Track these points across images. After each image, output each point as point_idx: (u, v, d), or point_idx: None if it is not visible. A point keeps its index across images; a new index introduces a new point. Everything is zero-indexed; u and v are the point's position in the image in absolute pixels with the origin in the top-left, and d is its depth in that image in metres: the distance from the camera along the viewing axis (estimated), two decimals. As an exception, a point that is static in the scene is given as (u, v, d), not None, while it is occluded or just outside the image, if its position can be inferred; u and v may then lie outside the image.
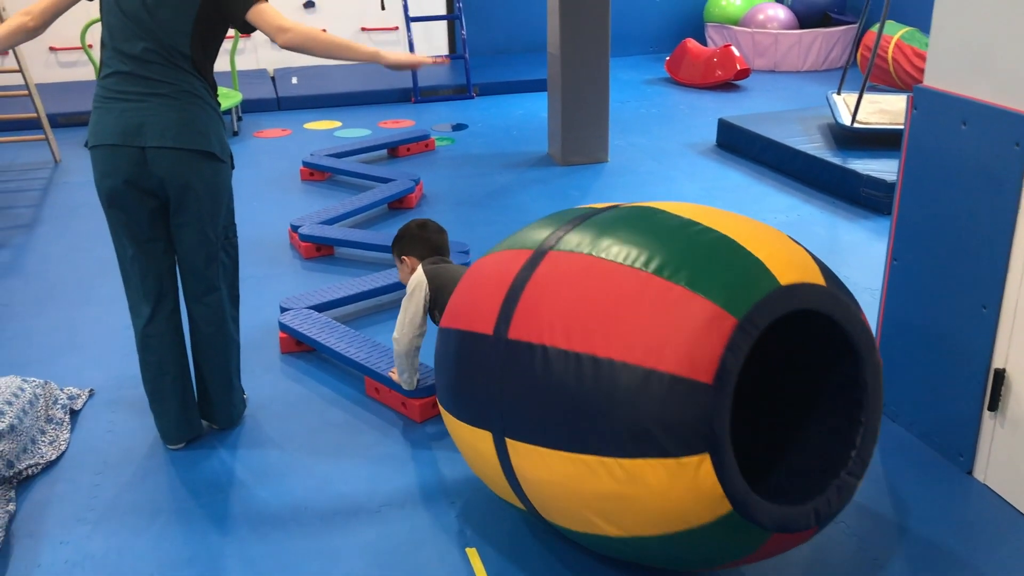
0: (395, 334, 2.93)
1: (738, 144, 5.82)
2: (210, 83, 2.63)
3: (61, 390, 3.16)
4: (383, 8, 7.72)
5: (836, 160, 5.08)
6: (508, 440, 2.09)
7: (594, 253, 2.02)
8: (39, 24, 2.61)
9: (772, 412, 2.36)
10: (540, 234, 2.23)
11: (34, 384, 3.04)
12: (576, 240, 2.09)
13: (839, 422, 2.12)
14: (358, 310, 3.80)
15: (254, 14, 2.54)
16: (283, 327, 3.49)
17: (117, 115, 2.53)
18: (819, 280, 1.98)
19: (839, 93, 5.88)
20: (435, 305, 2.92)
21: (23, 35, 2.61)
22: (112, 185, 2.58)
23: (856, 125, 5.28)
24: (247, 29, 2.61)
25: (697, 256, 1.94)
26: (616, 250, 2.00)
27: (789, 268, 1.94)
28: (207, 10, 2.53)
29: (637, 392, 1.84)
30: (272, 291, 3.99)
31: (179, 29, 2.51)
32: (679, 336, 1.84)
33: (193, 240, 2.68)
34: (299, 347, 3.49)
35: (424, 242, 3.10)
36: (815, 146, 5.33)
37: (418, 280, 2.93)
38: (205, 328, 2.84)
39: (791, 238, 2.13)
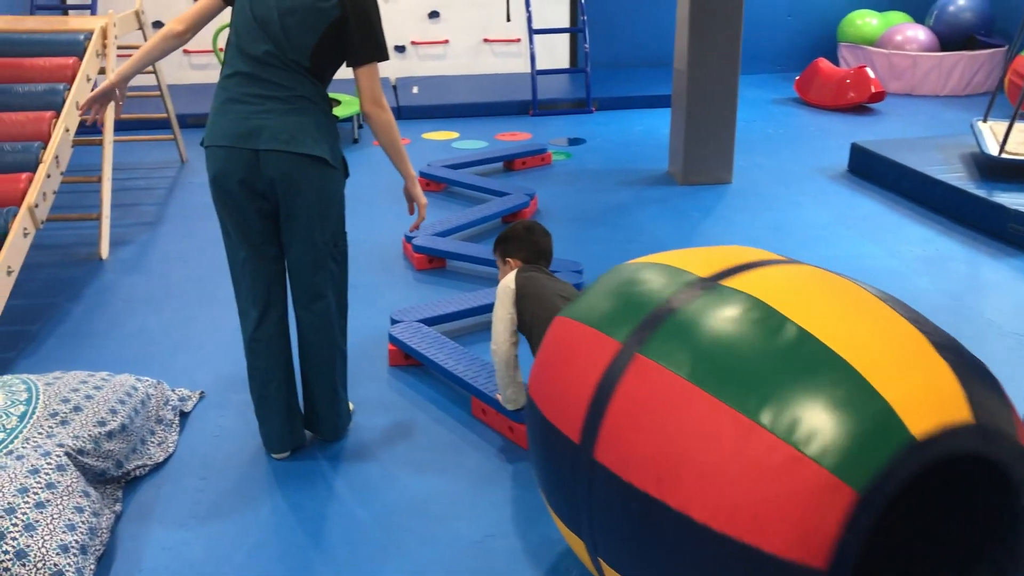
0: (492, 344, 2.84)
1: (872, 171, 5.52)
2: (324, 92, 2.63)
3: (173, 391, 3.18)
4: (508, 20, 7.69)
5: (980, 192, 4.74)
6: (601, 561, 1.92)
7: (688, 377, 1.73)
8: (187, 29, 2.67)
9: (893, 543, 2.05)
10: (629, 311, 1.96)
11: (147, 384, 3.06)
12: (668, 348, 1.81)
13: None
14: (468, 326, 3.72)
15: (364, 72, 2.59)
16: (392, 340, 3.44)
17: (233, 117, 2.56)
18: (965, 414, 1.60)
19: (985, 121, 5.51)
20: (520, 316, 2.81)
21: (173, 41, 2.67)
22: (225, 186, 2.59)
23: (1004, 156, 4.93)
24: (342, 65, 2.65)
25: (809, 401, 1.61)
26: (713, 379, 1.70)
27: (926, 408, 1.59)
28: (331, 35, 2.54)
29: (738, 571, 1.60)
30: (383, 301, 3.95)
31: (302, 43, 2.53)
32: (786, 509, 1.54)
33: (301, 246, 2.66)
34: (407, 360, 3.43)
35: (530, 245, 3.03)
36: (957, 176, 4.99)
37: (505, 285, 2.83)
38: (312, 336, 2.80)
39: (933, 342, 1.75)
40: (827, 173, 5.73)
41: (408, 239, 4.44)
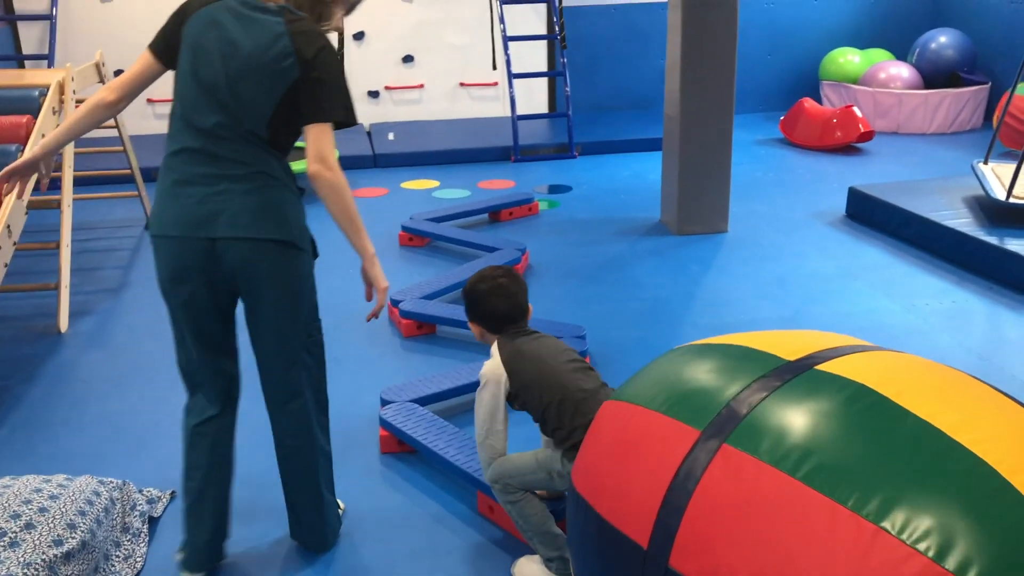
0: (477, 437, 2.48)
1: (873, 216, 5.31)
2: (286, 164, 2.30)
3: (140, 492, 2.83)
4: (495, 68, 7.45)
5: (992, 239, 4.53)
6: None
7: (791, 472, 1.48)
8: (120, 98, 2.34)
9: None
10: (708, 396, 1.70)
11: (111, 487, 2.71)
12: (763, 438, 1.55)
13: None
14: (465, 403, 3.41)
15: (316, 128, 2.19)
16: (384, 424, 3.12)
17: (184, 201, 2.22)
18: None
19: (986, 162, 5.33)
20: (514, 397, 2.45)
21: (104, 112, 2.34)
22: (178, 281, 2.27)
23: (1012, 200, 4.74)
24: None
25: (942, 503, 1.39)
26: (824, 476, 1.46)
27: None
28: (290, 100, 2.20)
29: None
30: (371, 375, 3.64)
31: (258, 112, 2.19)
32: None
33: (271, 342, 2.36)
34: (401, 447, 3.12)
35: (491, 314, 2.53)
36: (964, 222, 4.79)
37: (493, 372, 2.44)
38: (290, 440, 2.48)
39: None
40: (825, 219, 5.52)
41: (394, 303, 4.14)
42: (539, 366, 2.42)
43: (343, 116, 2.22)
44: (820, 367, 1.68)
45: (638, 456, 1.73)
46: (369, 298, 2.42)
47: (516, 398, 2.45)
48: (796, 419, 1.57)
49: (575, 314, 4.15)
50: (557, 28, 7.36)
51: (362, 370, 3.71)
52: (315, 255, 2.41)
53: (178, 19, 2.27)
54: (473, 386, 3.34)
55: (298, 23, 2.20)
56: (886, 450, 1.48)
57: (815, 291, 4.42)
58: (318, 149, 2.18)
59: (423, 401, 3.26)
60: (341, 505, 2.76)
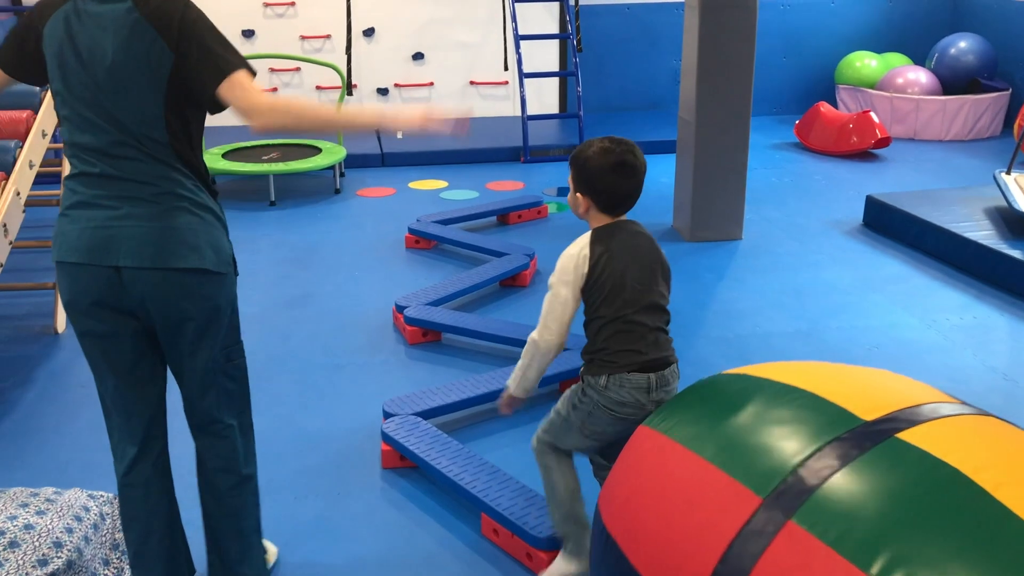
0: (535, 333, 2.29)
1: (890, 225, 5.18)
2: (199, 172, 2.08)
3: (131, 506, 2.72)
4: (506, 68, 7.33)
5: (1015, 253, 4.40)
6: None
7: (866, 569, 1.31)
8: None
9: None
10: (772, 456, 1.54)
11: (101, 500, 2.60)
12: (837, 523, 1.38)
13: None
14: (472, 417, 3.31)
15: (228, 87, 1.95)
16: (386, 438, 3.01)
17: (84, 225, 2.00)
18: None
19: (1009, 172, 5.20)
20: (592, 292, 2.23)
21: None
22: (82, 309, 2.06)
23: (1037, 212, 4.61)
24: (217, 109, 2.02)
25: None
26: None
27: None
28: (177, 85, 1.97)
29: None
30: (374, 385, 3.53)
31: (148, 112, 1.96)
32: None
33: (186, 368, 2.16)
34: (403, 462, 3.00)
35: (608, 189, 2.23)
36: (986, 234, 4.66)
37: (576, 257, 2.22)
38: (209, 465, 2.28)
39: None
40: (841, 227, 5.39)
41: (399, 309, 4.03)
42: (628, 261, 2.22)
43: (239, 64, 1.98)
44: (903, 435, 1.51)
45: (687, 512, 1.58)
46: (430, 127, 2.17)
47: (593, 290, 2.24)
48: (875, 503, 1.40)
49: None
50: (572, 30, 7.23)
51: (364, 379, 3.60)
52: (236, 273, 2.20)
53: (25, 30, 2.02)
54: (479, 399, 3.27)
55: (149, 1, 1.94)
56: (983, 557, 1.30)
57: (832, 303, 4.30)
58: (243, 103, 1.96)
59: (427, 414, 3.15)
60: (271, 550, 2.55)
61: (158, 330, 2.10)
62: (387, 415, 3.14)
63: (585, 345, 2.32)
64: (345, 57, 6.99)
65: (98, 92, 1.95)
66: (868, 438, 1.54)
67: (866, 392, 1.72)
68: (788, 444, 1.58)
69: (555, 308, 2.25)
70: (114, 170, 1.98)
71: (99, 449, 3.10)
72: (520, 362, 2.37)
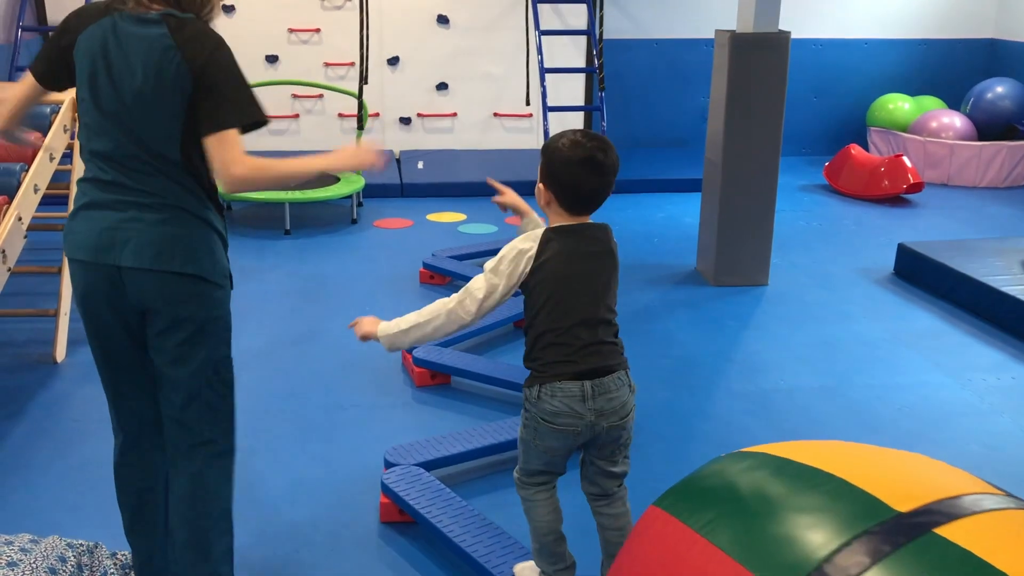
0: (451, 302, 2.19)
1: (923, 276, 4.99)
2: (207, 190, 2.14)
3: (112, 556, 2.57)
4: (528, 103, 7.22)
5: (1055, 310, 4.20)
6: None
7: None
8: (7, 123, 2.23)
9: None
10: (796, 550, 1.39)
11: (80, 550, 2.46)
12: None
13: None
14: (478, 469, 3.14)
15: (216, 141, 2.01)
16: (386, 490, 2.85)
17: (91, 224, 2.09)
18: None
19: (1048, 224, 5.00)
20: (531, 296, 2.16)
21: None
22: (88, 305, 2.15)
23: (1078, 268, 4.41)
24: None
25: None
26: None
27: None
28: (194, 110, 2.04)
29: None
30: (377, 429, 3.38)
31: (165, 133, 2.04)
32: None
33: (172, 374, 2.17)
34: (402, 516, 2.84)
35: (574, 184, 2.13)
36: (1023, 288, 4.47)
37: (521, 254, 2.14)
38: (177, 482, 2.24)
39: None
40: (871, 276, 5.20)
41: (408, 349, 3.88)
42: (567, 278, 2.13)
43: (238, 120, 2.03)
44: (942, 531, 1.35)
45: None
46: (377, 166, 2.27)
47: (531, 291, 2.17)
48: None
49: (601, 370, 3.87)
50: (596, 64, 7.12)
51: (368, 422, 3.45)
52: (231, 287, 2.24)
53: (59, 40, 2.09)
54: (487, 450, 3.11)
55: (184, 29, 2.01)
56: None
57: (860, 358, 4.10)
58: (219, 163, 2.02)
59: (430, 465, 2.99)
60: None
61: (151, 333, 2.16)
62: (388, 464, 2.98)
63: (524, 351, 2.24)
64: (362, 87, 6.89)
65: (122, 108, 2.03)
66: (902, 532, 1.37)
67: (900, 479, 1.54)
68: (813, 536, 1.41)
69: (479, 295, 2.16)
70: (125, 179, 2.06)
71: (88, 491, 2.97)
72: (412, 316, 2.24)
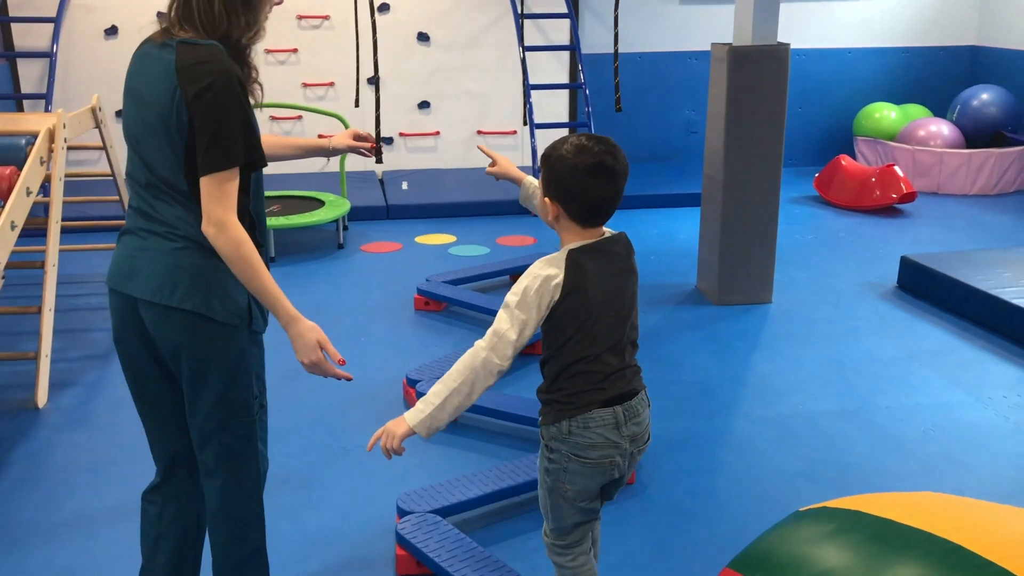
0: (483, 350, 1.96)
1: (929, 289, 4.89)
2: None
3: (112, 627, 2.39)
4: (525, 123, 7.07)
5: (1070, 323, 4.11)
6: None
7: None
8: None
9: None
10: None
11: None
12: None
13: None
14: (496, 512, 2.97)
15: (208, 182, 1.93)
16: (401, 541, 2.68)
17: (120, 253, 2.09)
18: None
19: (1052, 233, 4.93)
20: (557, 326, 1.96)
21: None
22: (117, 335, 2.12)
23: (1089, 278, 4.32)
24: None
25: None
26: None
27: None
28: (194, 140, 1.98)
29: None
30: (385, 472, 3.20)
31: (167, 162, 1.99)
32: None
33: (189, 411, 2.11)
34: (420, 568, 2.66)
35: (584, 194, 1.95)
36: (1035, 301, 4.37)
37: (546, 283, 1.93)
38: (210, 521, 2.23)
39: None
40: (876, 290, 5.09)
41: (411, 383, 3.71)
42: (603, 286, 1.97)
43: (220, 165, 1.92)
44: None
45: None
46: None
47: (558, 319, 1.97)
48: None
49: (612, 399, 3.72)
50: (582, 80, 7.01)
51: (374, 465, 3.26)
52: (251, 328, 2.09)
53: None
54: (504, 493, 2.94)
55: (188, 57, 1.93)
56: None
57: (877, 377, 3.98)
58: (206, 208, 1.95)
59: (446, 511, 2.82)
60: None
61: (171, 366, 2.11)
62: (402, 512, 2.80)
63: (540, 385, 2.07)
64: (356, 107, 6.76)
65: (138, 133, 2.02)
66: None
67: (1011, 532, 1.40)
68: None
69: (511, 336, 1.94)
70: (146, 206, 2.04)
71: (78, 551, 2.77)
72: (439, 387, 1.98)
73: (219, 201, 1.93)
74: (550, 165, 1.98)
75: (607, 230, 2.06)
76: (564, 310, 1.95)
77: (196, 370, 2.04)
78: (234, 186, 1.95)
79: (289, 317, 2.01)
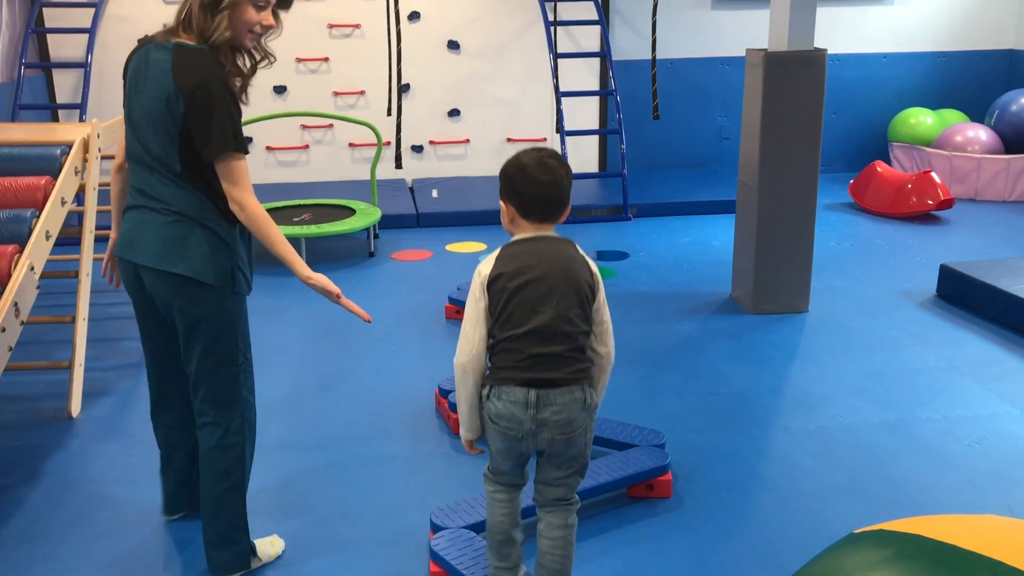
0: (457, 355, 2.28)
1: (969, 298, 4.79)
2: (214, 200, 2.42)
3: (145, 641, 2.37)
4: (557, 131, 7.02)
5: (1119, 333, 4.00)
6: None
7: None
8: (122, 161, 2.60)
9: None
10: None
11: (110, 638, 2.26)
12: None
13: None
14: (530, 524, 2.92)
15: (223, 168, 2.35)
16: (435, 557, 2.64)
17: (125, 224, 2.51)
18: None
19: (1098, 241, 4.80)
20: (497, 315, 2.20)
21: (123, 178, 2.62)
22: (131, 296, 2.59)
23: None
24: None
25: None
26: None
27: None
28: (188, 135, 2.35)
29: None
30: (417, 484, 3.17)
31: (165, 149, 2.38)
32: None
33: (183, 359, 2.55)
34: (455, 584, 2.62)
35: (527, 188, 2.21)
36: (1081, 310, 4.26)
37: (480, 273, 2.23)
38: (201, 457, 2.61)
39: None
40: (914, 299, 5.00)
41: (443, 393, 3.67)
42: (533, 279, 2.18)
43: (233, 146, 2.32)
44: None
45: None
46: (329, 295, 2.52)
47: (498, 313, 2.21)
48: None
49: (648, 411, 3.66)
50: (613, 86, 6.96)
51: (406, 476, 3.23)
52: (238, 291, 2.50)
53: (125, 78, 2.47)
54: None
55: (182, 56, 2.31)
56: None
57: (918, 389, 3.89)
58: (225, 190, 2.37)
59: (481, 527, 2.77)
60: (266, 551, 2.71)
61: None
62: (435, 527, 2.76)
63: None
64: (388, 116, 6.76)
65: (139, 122, 2.39)
66: None
67: None
68: None
69: (466, 326, 2.25)
70: (146, 187, 2.43)
71: (112, 563, 2.75)
72: (456, 392, 2.34)
73: (234, 183, 2.34)
74: (503, 170, 2.27)
75: (555, 233, 2.28)
76: (492, 294, 2.20)
77: (188, 324, 2.45)
78: (240, 166, 2.34)
79: (305, 274, 2.44)
